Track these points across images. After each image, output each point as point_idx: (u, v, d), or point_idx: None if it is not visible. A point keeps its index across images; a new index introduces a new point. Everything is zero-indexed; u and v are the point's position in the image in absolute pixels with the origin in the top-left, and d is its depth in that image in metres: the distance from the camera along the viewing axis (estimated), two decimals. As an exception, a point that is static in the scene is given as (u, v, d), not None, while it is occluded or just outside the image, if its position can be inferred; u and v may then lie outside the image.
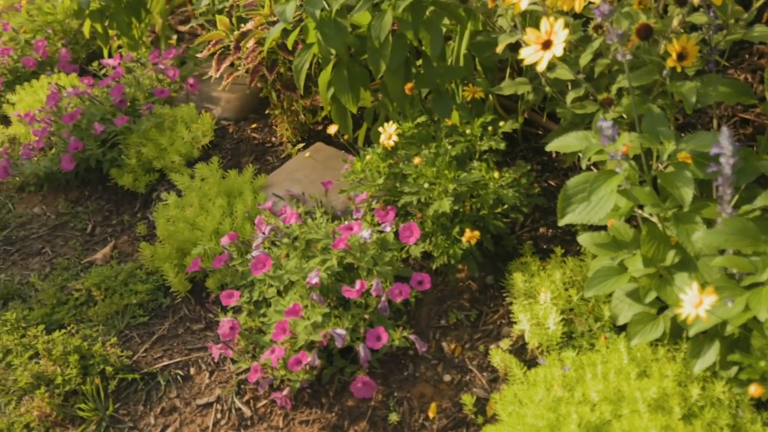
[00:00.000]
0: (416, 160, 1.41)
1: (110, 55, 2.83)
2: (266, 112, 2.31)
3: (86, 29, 2.73)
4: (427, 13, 1.54)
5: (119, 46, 2.90)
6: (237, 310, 1.61)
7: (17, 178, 2.35)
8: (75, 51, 2.97)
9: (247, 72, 2.01)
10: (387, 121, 1.78)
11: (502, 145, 1.51)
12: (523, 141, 1.95)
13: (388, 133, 1.48)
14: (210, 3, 2.39)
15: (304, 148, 2.15)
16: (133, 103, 2.34)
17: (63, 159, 2.18)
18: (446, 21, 1.64)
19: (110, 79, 2.38)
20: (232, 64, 2.10)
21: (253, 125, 2.36)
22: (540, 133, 1.95)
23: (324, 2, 1.58)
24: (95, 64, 2.63)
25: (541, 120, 1.90)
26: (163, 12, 2.92)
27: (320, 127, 2.26)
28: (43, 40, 2.85)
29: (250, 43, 1.95)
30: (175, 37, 3.13)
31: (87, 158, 2.23)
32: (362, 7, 1.52)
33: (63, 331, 1.63)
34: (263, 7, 1.95)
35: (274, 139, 2.27)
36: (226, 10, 2.16)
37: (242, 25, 2.06)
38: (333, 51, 1.62)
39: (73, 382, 1.48)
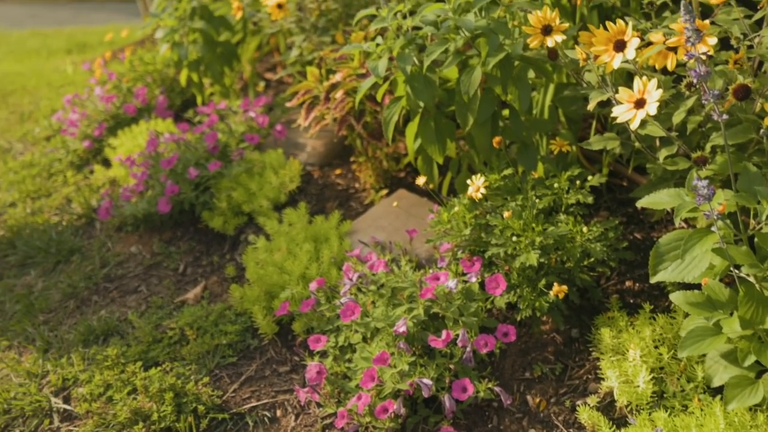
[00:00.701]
0: (506, 214, 1.43)
1: (204, 102, 3.00)
2: (351, 159, 2.39)
3: (183, 78, 2.90)
4: (515, 68, 1.58)
5: (211, 93, 3.06)
6: (323, 354, 1.66)
7: (116, 218, 2.49)
8: (170, 98, 3.15)
9: (334, 121, 2.09)
10: (471, 171, 1.81)
11: (590, 199, 1.51)
12: (606, 191, 1.94)
13: (476, 186, 1.51)
14: (299, 54, 2.50)
15: (387, 194, 2.20)
16: (224, 149, 2.46)
17: (160, 202, 2.30)
18: (531, 74, 1.67)
19: (205, 126, 2.51)
20: (319, 113, 2.19)
21: (337, 171, 2.43)
22: (624, 184, 1.93)
23: (414, 58, 1.64)
24: (191, 111, 2.78)
25: (625, 171, 1.89)
26: (251, 60, 3.07)
27: (402, 174, 2.31)
28: (143, 88, 3.04)
29: (339, 94, 2.03)
30: (262, 83, 3.28)
31: (181, 201, 2.35)
32: (451, 63, 1.57)
33: (158, 368, 1.71)
34: (352, 60, 2.03)
35: (357, 185, 2.34)
36: (316, 61, 2.26)
37: (331, 76, 2.15)
38: (421, 104, 1.67)
39: (167, 419, 1.55)
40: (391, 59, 1.67)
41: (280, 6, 2.24)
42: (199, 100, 2.95)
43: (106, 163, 2.97)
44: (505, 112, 1.74)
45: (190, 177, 2.32)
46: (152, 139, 2.54)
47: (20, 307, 2.12)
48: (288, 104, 2.32)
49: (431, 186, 1.83)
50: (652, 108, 1.18)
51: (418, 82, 1.63)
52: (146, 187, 2.42)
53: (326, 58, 2.22)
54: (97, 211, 2.56)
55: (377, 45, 1.66)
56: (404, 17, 1.67)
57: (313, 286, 1.71)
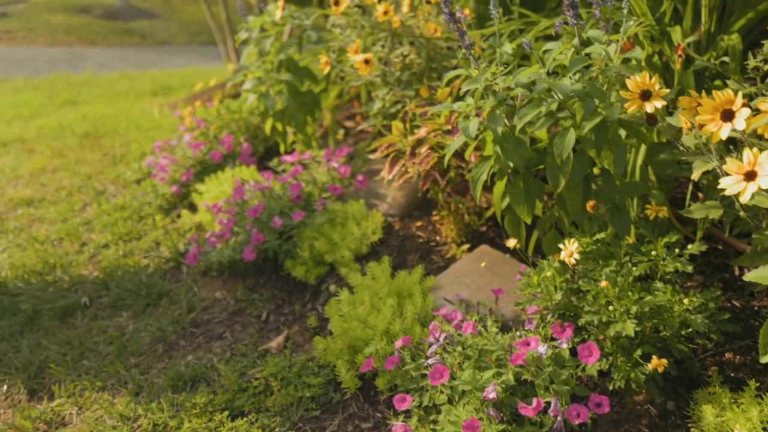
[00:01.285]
0: (603, 284, 1.40)
1: (286, 150, 3.08)
2: (434, 213, 2.40)
3: (267, 127, 3.00)
4: (610, 131, 1.56)
5: (293, 141, 3.15)
6: (407, 413, 1.65)
7: (202, 263, 2.57)
8: (254, 145, 3.25)
9: (418, 175, 2.11)
10: (558, 230, 1.79)
11: (690, 268, 1.46)
12: (700, 254, 1.88)
13: (570, 251, 1.49)
14: (381, 106, 2.55)
15: (469, 249, 2.20)
16: (308, 198, 2.52)
17: (245, 250, 2.36)
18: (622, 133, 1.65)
19: (289, 176, 2.58)
20: (403, 166, 2.22)
21: (418, 223, 2.45)
22: (720, 248, 1.87)
23: (504, 119, 1.64)
24: (275, 160, 2.86)
25: (722, 235, 1.82)
26: (331, 108, 3.15)
27: (483, 228, 2.30)
28: (229, 136, 3.15)
29: (424, 149, 2.05)
30: (341, 131, 3.36)
31: (265, 249, 2.41)
32: (543, 125, 1.57)
33: (245, 419, 1.74)
34: (438, 116, 2.05)
35: (438, 237, 2.34)
36: (400, 115, 2.30)
37: (416, 130, 2.18)
38: (511, 164, 1.67)
39: (253, 472, 1.56)
40: (477, 115, 1.68)
41: (367, 62, 2.30)
42: (282, 148, 3.03)
43: (193, 208, 3.07)
44: (595, 170, 1.72)
45: (275, 226, 2.38)
46: (238, 187, 2.62)
47: (113, 349, 2.20)
48: (371, 156, 2.35)
49: (518, 246, 1.82)
50: (763, 181, 1.14)
51: (509, 143, 1.63)
52: (232, 234, 2.49)
53: (411, 112, 2.25)
54: (185, 255, 2.65)
55: (467, 105, 1.68)
56: (494, 77, 1.69)
57: (398, 344, 1.71)
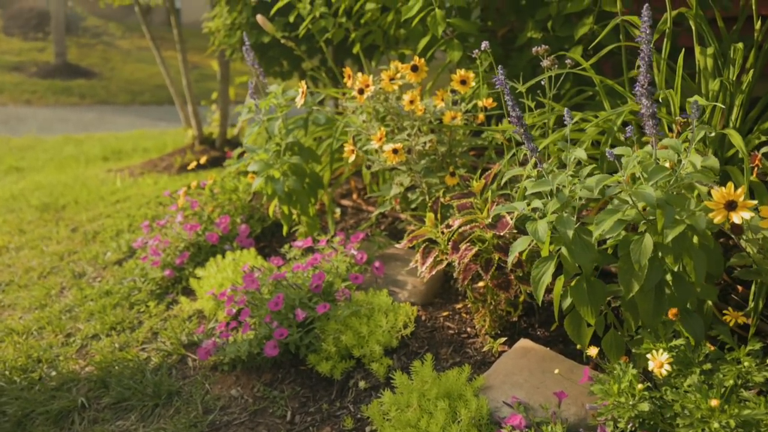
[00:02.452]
0: (714, 402, 1.38)
1: (288, 232, 2.99)
2: (458, 302, 2.35)
3: (271, 210, 2.91)
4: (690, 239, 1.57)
5: (296, 223, 3.06)
6: None
7: (211, 358, 2.42)
8: (250, 225, 3.15)
9: (457, 271, 2.07)
10: (616, 330, 1.77)
11: (778, 377, 1.47)
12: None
13: (659, 362, 1.47)
14: (399, 192, 2.52)
15: (506, 342, 2.16)
16: (327, 288, 2.43)
17: (267, 345, 2.25)
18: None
19: (308, 264, 2.49)
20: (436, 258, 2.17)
21: (444, 313, 2.39)
22: None
23: (574, 222, 1.64)
24: (286, 246, 2.76)
25: (771, 330, 1.85)
26: (326, 187, 3.10)
27: (514, 318, 2.27)
28: (225, 217, 3.04)
29: (465, 244, 2.02)
30: (338, 210, 3.30)
31: (286, 343, 2.29)
32: (616, 229, 1.57)
33: None
34: (480, 210, 2.03)
35: (469, 329, 2.30)
36: (429, 204, 2.27)
37: (449, 221, 2.15)
38: (578, 266, 1.65)
39: None
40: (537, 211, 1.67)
41: (395, 151, 2.27)
42: (284, 230, 2.94)
43: (188, 293, 2.92)
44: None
45: (298, 319, 2.28)
46: (249, 275, 2.51)
47: (129, 462, 2.02)
48: (398, 246, 2.31)
49: (578, 347, 1.79)
50: None
51: (577, 245, 1.62)
52: (248, 326, 2.37)
53: (440, 201, 2.23)
54: (190, 348, 2.50)
55: (533, 209, 1.66)
56: (570, 181, 1.68)
57: (470, 456, 1.63)
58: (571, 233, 1.60)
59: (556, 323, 2.19)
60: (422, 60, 2.29)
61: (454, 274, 2.09)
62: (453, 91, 2.40)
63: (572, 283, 1.69)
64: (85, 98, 12.15)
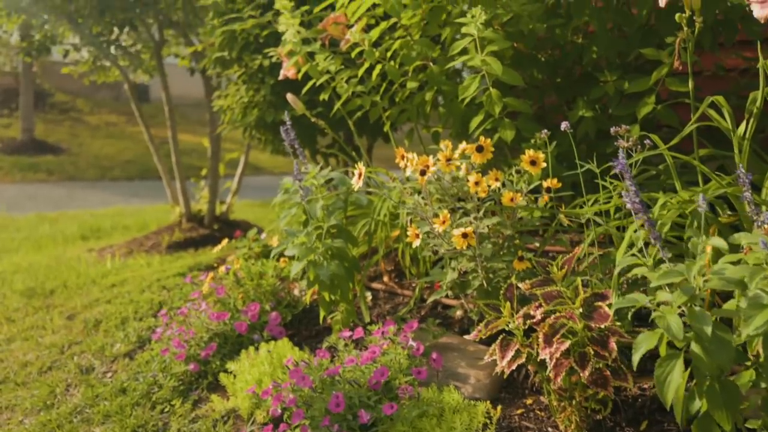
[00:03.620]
0: None
1: (323, 319, 2.79)
2: (537, 400, 2.18)
3: (309, 297, 2.72)
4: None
5: (331, 310, 2.86)
6: None
7: (258, 466, 2.17)
8: (280, 312, 2.94)
9: (550, 367, 1.91)
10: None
11: None
12: None
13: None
14: (456, 278, 2.37)
15: (598, 444, 1.98)
16: (387, 384, 2.23)
17: (331, 453, 2.02)
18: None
19: (367, 358, 2.29)
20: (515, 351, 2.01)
21: (518, 411, 2.21)
22: None
23: (710, 317, 1.50)
24: (333, 337, 2.56)
25: None
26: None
27: (599, 417, 2.10)
28: (255, 304, 2.83)
29: (558, 338, 1.87)
30: (369, 294, 3.12)
31: (349, 449, 2.07)
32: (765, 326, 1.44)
33: None
34: (572, 301, 1.89)
35: (550, 429, 2.11)
36: (502, 291, 2.12)
37: (527, 310, 2.00)
38: (715, 366, 1.51)
39: None
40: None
41: (465, 235, 2.13)
42: (321, 318, 2.75)
43: (214, 388, 2.67)
44: None
45: (361, 421, 2.06)
46: (296, 370, 2.29)
47: None
48: (468, 337, 2.14)
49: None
50: None
51: (714, 343, 1.48)
52: (306, 430, 2.14)
53: (509, 286, 2.08)
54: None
55: (658, 304, 1.53)
56: (700, 273, 1.56)
57: None
58: (709, 330, 1.46)
59: (646, 422, 2.02)
60: (488, 140, 2.19)
61: (527, 373, 1.93)
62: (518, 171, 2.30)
63: (705, 384, 1.54)
64: (53, 174, 11.83)
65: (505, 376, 2.28)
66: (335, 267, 2.55)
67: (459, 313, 2.71)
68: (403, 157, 2.38)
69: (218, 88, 6.17)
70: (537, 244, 2.46)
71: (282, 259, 3.04)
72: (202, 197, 6.33)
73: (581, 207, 2.33)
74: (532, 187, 2.26)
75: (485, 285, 2.38)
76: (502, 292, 2.13)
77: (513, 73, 2.29)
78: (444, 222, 2.20)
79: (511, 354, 1.98)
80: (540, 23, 2.36)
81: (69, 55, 6.36)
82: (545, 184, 2.24)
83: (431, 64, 2.70)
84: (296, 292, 3.08)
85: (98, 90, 17.40)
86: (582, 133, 2.52)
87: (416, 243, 2.22)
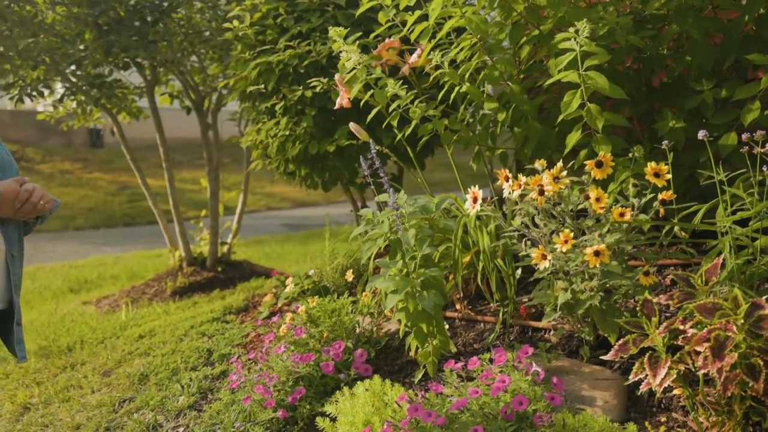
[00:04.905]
0: None
1: (415, 354, 2.68)
2: (670, 416, 2.11)
3: (402, 329, 2.60)
4: None
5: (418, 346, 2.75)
6: None
7: None
8: (363, 348, 2.80)
9: (721, 381, 1.85)
10: None
11: None
12: None
13: None
14: (570, 298, 2.30)
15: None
16: (517, 413, 2.13)
17: (487, 491, 1.90)
18: None
19: (498, 388, 2.18)
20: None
21: (661, 429, 2.13)
22: None
23: None
24: (446, 371, 2.44)
25: None
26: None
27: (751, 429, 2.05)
28: (340, 343, 2.69)
29: (727, 353, 1.82)
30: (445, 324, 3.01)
31: (499, 487, 1.95)
32: None
33: None
34: (733, 312, 1.85)
35: (702, 446, 2.04)
36: (639, 308, 2.06)
37: (674, 324, 1.95)
38: None
39: None
40: None
41: (597, 253, 2.07)
42: (413, 350, 2.63)
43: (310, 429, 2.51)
44: None
45: (508, 457, 1.95)
46: (416, 407, 2.17)
47: None
48: (606, 357, 2.07)
49: None
50: None
51: None
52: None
53: (645, 301, 2.03)
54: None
55: None
56: None
57: None
58: None
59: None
60: (608, 156, 2.15)
61: (651, 390, 1.87)
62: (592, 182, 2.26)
63: None
64: (13, 227, 11.28)
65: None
66: (435, 297, 2.45)
67: (554, 335, 2.64)
68: (507, 179, 2.32)
69: (213, 126, 6.02)
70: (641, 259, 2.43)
71: (364, 294, 2.92)
72: (203, 239, 6.12)
73: (691, 217, 2.32)
74: (645, 200, 2.23)
75: (597, 305, 2.32)
76: (638, 308, 2.07)
77: (616, 87, 2.27)
78: (566, 241, 2.14)
79: (663, 371, 1.92)
80: (632, 35, 2.35)
81: (36, 100, 6.05)
82: (660, 196, 2.21)
83: (508, 83, 2.66)
84: (368, 325, 2.95)
85: (48, 137, 16.87)
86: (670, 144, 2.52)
87: (545, 264, 2.15)
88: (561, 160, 2.30)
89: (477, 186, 2.40)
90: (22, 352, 2.07)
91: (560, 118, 2.39)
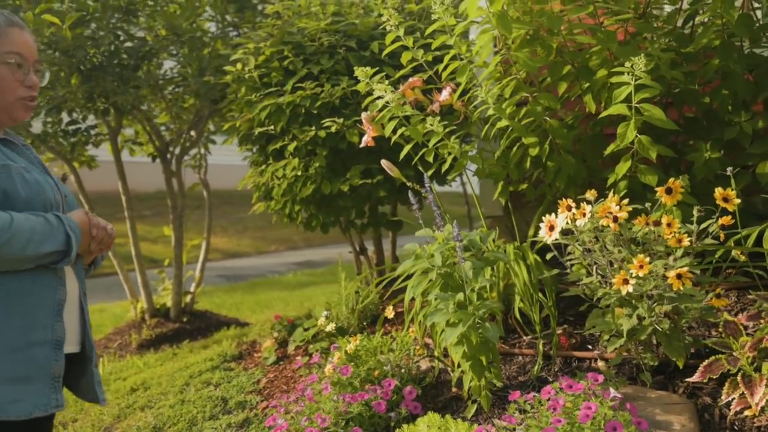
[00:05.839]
0: None
1: (468, 391, 2.63)
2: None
3: (458, 362, 2.56)
4: None
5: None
6: None
7: None
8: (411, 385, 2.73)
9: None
10: None
11: None
12: None
13: None
14: (637, 324, 2.34)
15: None
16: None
17: None
18: None
19: (585, 416, 2.17)
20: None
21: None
22: None
23: None
24: (511, 408, 2.40)
25: None
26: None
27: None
28: (390, 381, 2.61)
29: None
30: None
31: None
32: None
33: None
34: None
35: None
36: (722, 330, 2.12)
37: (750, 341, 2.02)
38: None
39: None
40: None
41: (680, 276, 2.13)
42: (466, 386, 2.59)
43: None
44: None
45: (612, 481, 1.94)
46: (499, 441, 2.13)
47: None
48: (691, 380, 2.11)
49: None
50: None
51: None
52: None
53: (727, 323, 2.10)
54: None
55: None
56: None
57: None
58: None
59: None
60: (677, 182, 2.25)
61: (721, 412, 1.93)
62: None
63: None
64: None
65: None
66: (495, 329, 2.44)
67: (601, 363, 2.67)
68: (568, 208, 2.38)
69: (177, 174, 5.83)
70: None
71: (411, 330, 2.86)
72: (165, 290, 5.85)
73: (742, 242, 2.44)
74: (704, 226, 2.33)
75: (659, 328, 2.37)
76: (721, 327, 2.14)
77: (668, 120, 2.39)
78: (642, 267, 2.19)
79: (761, 390, 1.97)
80: (675, 70, 2.51)
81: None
82: (720, 221, 2.31)
83: (547, 118, 2.75)
84: (403, 362, 2.89)
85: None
86: (702, 174, 2.66)
87: (628, 289, 2.19)
88: (587, 192, 2.38)
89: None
90: (103, 394, 1.90)
91: (610, 149, 2.49)
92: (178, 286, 5.71)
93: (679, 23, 2.80)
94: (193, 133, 5.77)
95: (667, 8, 2.91)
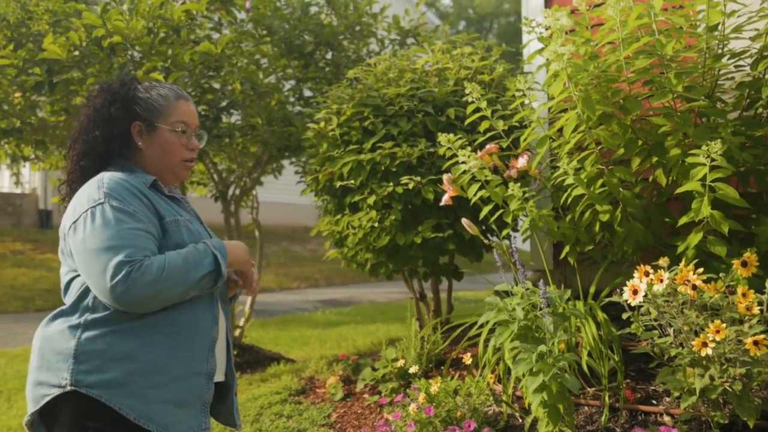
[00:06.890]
0: None
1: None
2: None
3: (542, 414, 2.78)
4: None
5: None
6: None
7: None
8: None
9: None
10: None
11: None
12: None
13: None
14: (709, 383, 2.55)
15: None
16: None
17: None
18: None
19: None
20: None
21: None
22: None
23: None
24: None
25: None
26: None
27: None
28: (471, 422, 2.83)
29: None
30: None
31: None
32: None
33: None
34: None
35: None
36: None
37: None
38: None
39: None
40: None
41: (756, 343, 2.35)
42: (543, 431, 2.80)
43: None
44: None
45: None
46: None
47: None
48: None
49: None
50: None
51: None
52: None
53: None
54: None
55: None
56: None
57: None
58: None
59: None
60: (753, 256, 2.49)
61: None
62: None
63: None
64: (-29, 309, 10.73)
65: None
66: (574, 380, 2.67)
67: (668, 418, 2.87)
68: (647, 273, 2.62)
69: (235, 214, 6.14)
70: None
71: (489, 376, 3.08)
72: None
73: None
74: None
75: (730, 389, 2.57)
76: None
77: (740, 199, 2.64)
78: (719, 332, 2.42)
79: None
80: (744, 152, 2.78)
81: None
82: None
83: (620, 189, 3.01)
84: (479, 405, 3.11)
85: (-4, 217, 16.31)
86: (767, 247, 2.89)
87: (707, 352, 2.41)
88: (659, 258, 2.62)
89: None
90: (239, 420, 2.14)
91: (683, 220, 2.74)
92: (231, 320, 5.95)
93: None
94: (254, 175, 6.10)
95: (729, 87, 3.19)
